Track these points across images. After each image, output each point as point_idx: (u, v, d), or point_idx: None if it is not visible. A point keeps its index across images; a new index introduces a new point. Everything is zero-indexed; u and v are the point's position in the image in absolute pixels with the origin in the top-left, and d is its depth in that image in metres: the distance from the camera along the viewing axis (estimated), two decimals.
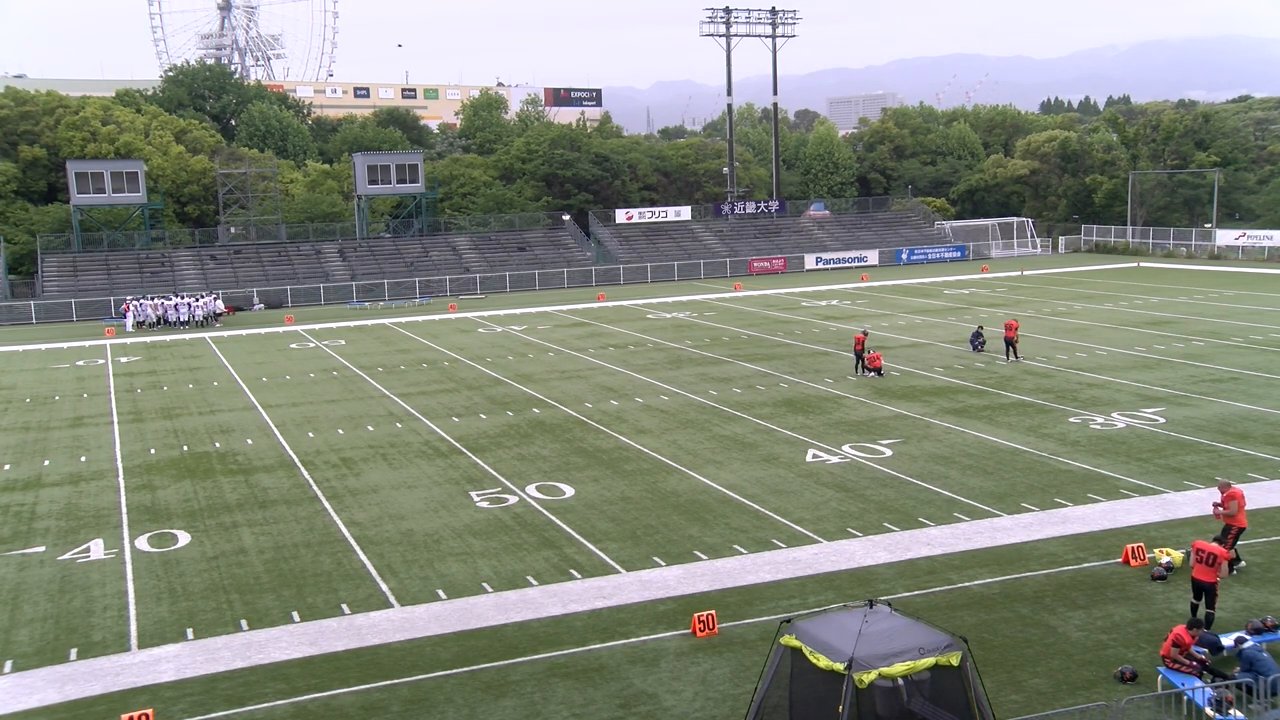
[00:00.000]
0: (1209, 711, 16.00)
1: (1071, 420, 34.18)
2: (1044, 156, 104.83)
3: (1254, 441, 31.09)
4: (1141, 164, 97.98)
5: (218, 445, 35.06)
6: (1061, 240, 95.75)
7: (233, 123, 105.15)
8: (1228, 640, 17.87)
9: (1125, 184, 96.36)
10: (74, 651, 19.94)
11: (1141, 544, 22.76)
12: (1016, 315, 52.39)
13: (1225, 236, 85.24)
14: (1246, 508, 21.95)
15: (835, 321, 57.40)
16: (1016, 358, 43.95)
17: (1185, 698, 16.31)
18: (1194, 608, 19.46)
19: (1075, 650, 18.73)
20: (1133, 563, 22.29)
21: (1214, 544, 19.52)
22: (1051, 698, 16.95)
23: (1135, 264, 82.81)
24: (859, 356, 42.53)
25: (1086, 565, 22.47)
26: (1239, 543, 22.02)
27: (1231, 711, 15.82)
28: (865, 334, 44.19)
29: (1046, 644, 19.00)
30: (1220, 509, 21.71)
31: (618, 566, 23.14)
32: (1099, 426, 33.30)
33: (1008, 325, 45.35)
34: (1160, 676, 17.33)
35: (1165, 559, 22.01)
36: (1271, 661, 16.75)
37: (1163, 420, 33.78)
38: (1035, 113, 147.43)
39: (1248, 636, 18.05)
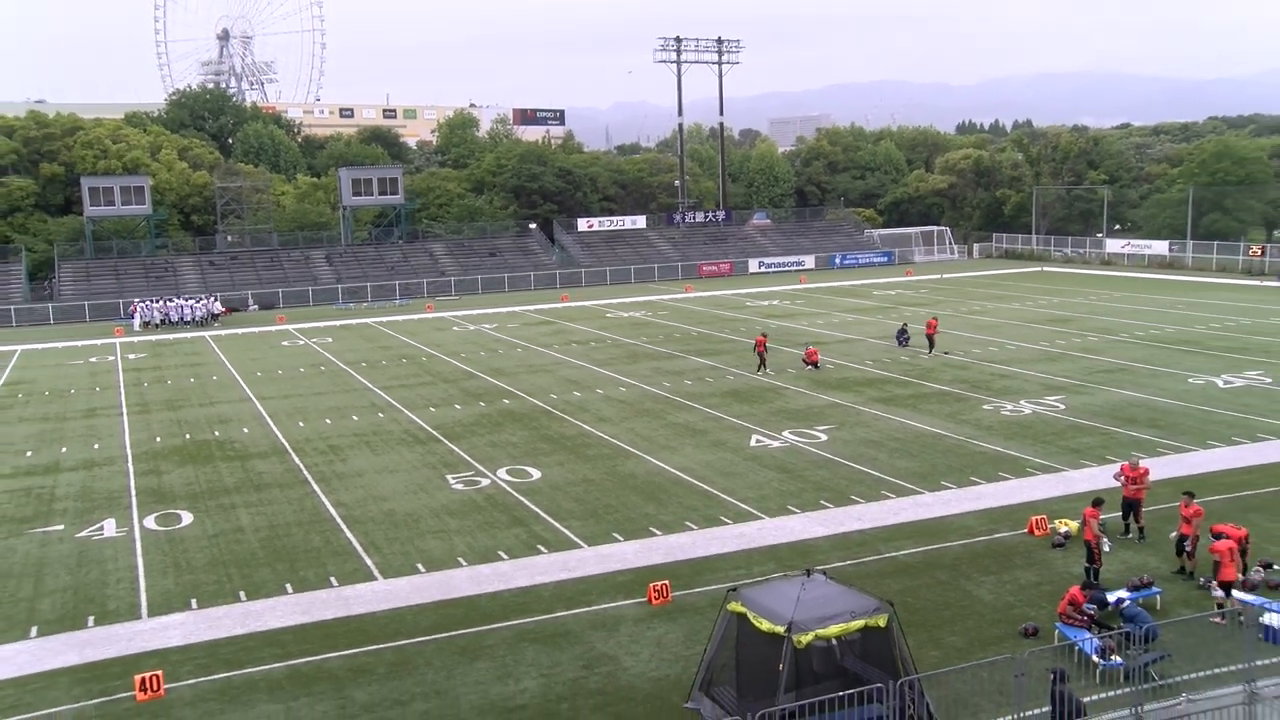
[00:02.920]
0: (1095, 659, 16.41)
1: (985, 408, 34.53)
2: (960, 172, 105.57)
3: (1139, 425, 31.58)
4: (1043, 180, 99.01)
5: (217, 434, 34.72)
6: (976, 247, 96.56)
7: (230, 141, 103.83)
8: (1112, 597, 18.33)
9: (1030, 197, 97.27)
10: (91, 619, 19.91)
11: (1044, 516, 23.08)
12: (936, 314, 52.78)
13: (1114, 244, 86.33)
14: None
15: (776, 319, 57.61)
16: (933, 350, 44.37)
17: (1077, 648, 16.70)
18: (1088, 570, 19.84)
19: (986, 611, 18.99)
20: (1036, 533, 22.61)
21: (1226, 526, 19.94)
22: (966, 653, 17.17)
23: (1039, 268, 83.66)
24: (761, 357, 42.23)
25: (997, 536, 22.74)
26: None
27: (1113, 657, 16.24)
28: (765, 336, 44.07)
29: (962, 606, 19.23)
30: (1133, 485, 22.09)
31: (581, 542, 23.16)
32: (1009, 413, 33.67)
33: (928, 323, 45.81)
34: (1057, 631, 17.67)
35: (1064, 529, 22.39)
36: (1147, 615, 17.29)
37: (1063, 407, 34.21)
38: (952, 133, 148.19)
39: (1127, 594, 18.50)
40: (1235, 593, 18.92)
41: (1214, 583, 18.85)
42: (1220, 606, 18.62)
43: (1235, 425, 31.16)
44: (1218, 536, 19.33)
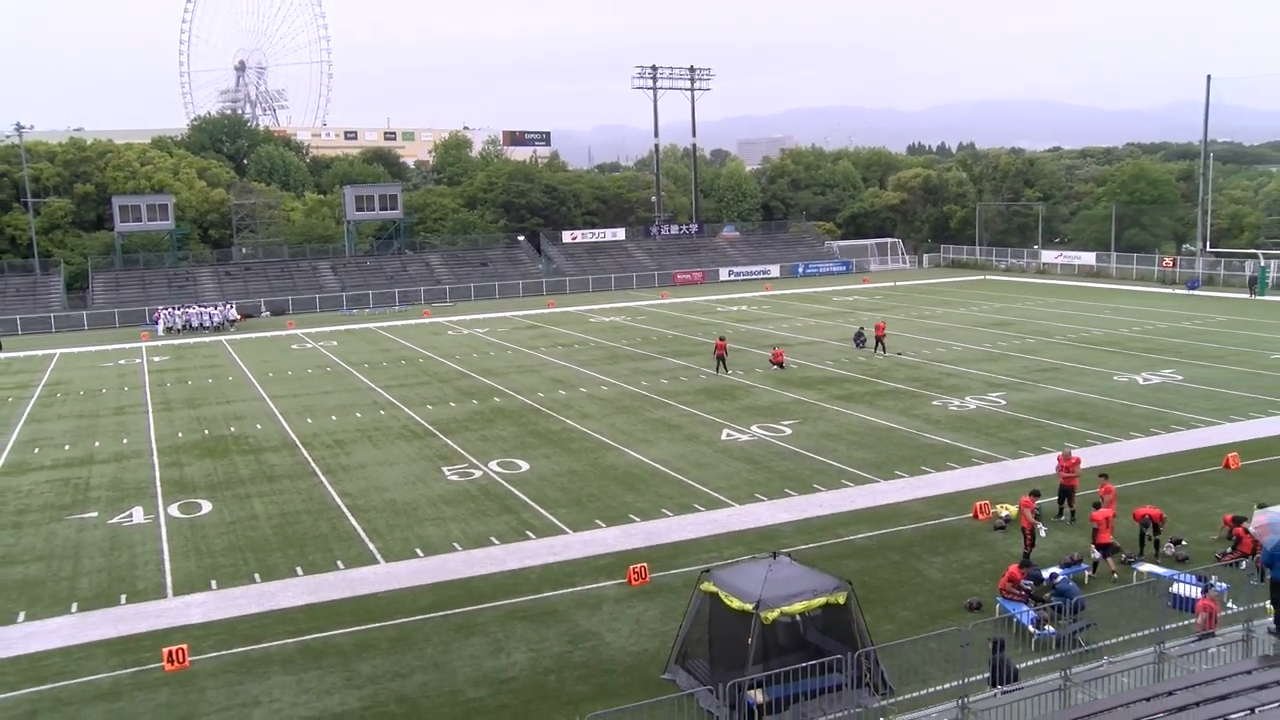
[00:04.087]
0: (1031, 629, 16.61)
1: (934, 403, 34.70)
2: (910, 189, 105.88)
3: (1069, 418, 31.85)
4: (985, 197, 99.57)
5: (233, 429, 34.51)
6: (925, 257, 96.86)
7: (245, 162, 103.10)
8: (1047, 573, 18.53)
9: (974, 212, 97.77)
10: (124, 597, 19.95)
11: (987, 501, 23.23)
12: (887, 318, 53.06)
13: (1048, 255, 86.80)
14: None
15: (745, 324, 57.69)
16: (885, 351, 44.55)
17: (1015, 620, 16.87)
18: (1025, 555, 19.99)
19: (935, 588, 19.10)
20: (980, 517, 22.76)
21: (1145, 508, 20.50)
22: (917, 626, 17.28)
23: (982, 277, 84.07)
24: (720, 359, 42.13)
25: (945, 520, 22.88)
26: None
27: (1046, 627, 16.46)
28: (724, 340, 44.00)
29: (913, 584, 19.34)
30: (1066, 473, 22.36)
31: (566, 528, 23.15)
32: (956, 408, 33.86)
33: (877, 326, 45.97)
34: (998, 604, 17.81)
35: (1004, 513, 22.55)
36: (1076, 588, 17.55)
37: (1004, 402, 34.43)
38: (903, 154, 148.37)
39: (1060, 570, 18.72)
40: (1146, 565, 19.32)
41: (1092, 545, 19.55)
42: (1095, 564, 19.33)
43: (1152, 418, 31.49)
44: (1096, 505, 19.93)
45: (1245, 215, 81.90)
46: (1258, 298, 63.38)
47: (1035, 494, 20.87)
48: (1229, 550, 19.83)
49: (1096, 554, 19.41)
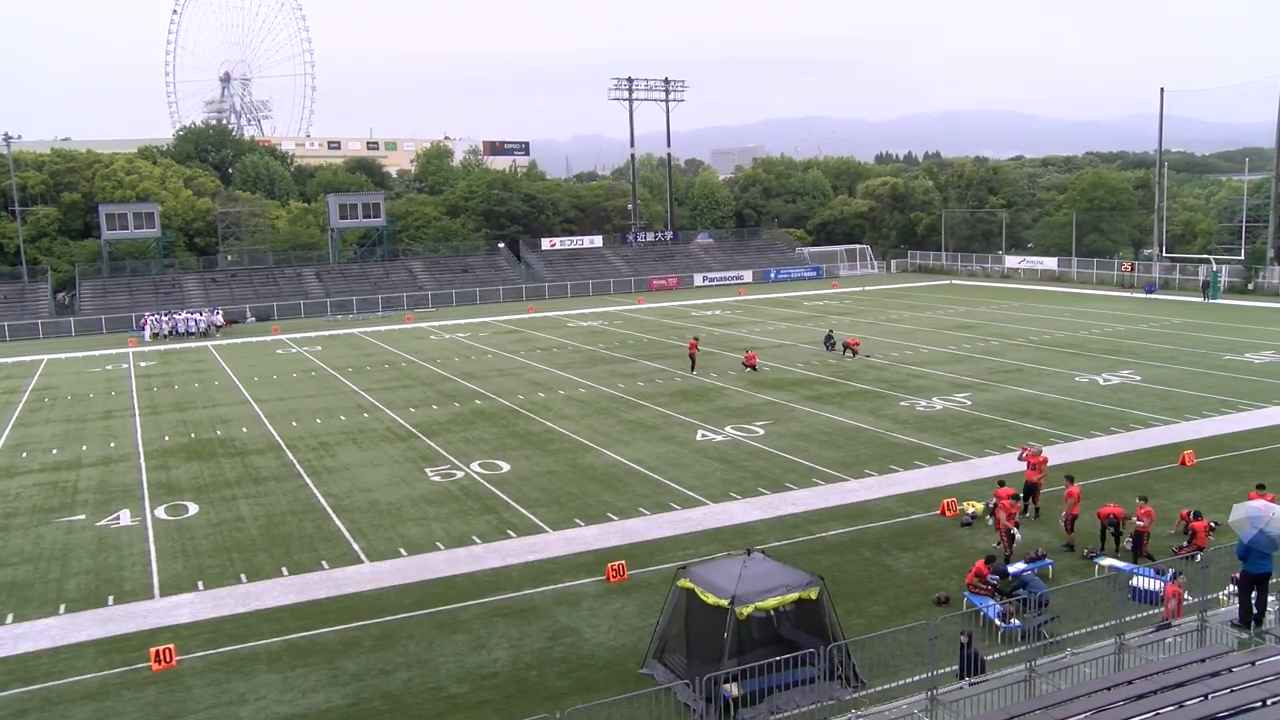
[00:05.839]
0: (997, 622, 16.71)
1: (902, 404, 34.85)
2: (879, 197, 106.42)
3: (1032, 417, 32.07)
4: (951, 204, 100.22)
5: (219, 433, 34.21)
6: (893, 263, 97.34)
7: (230, 171, 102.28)
8: (1013, 569, 18.65)
9: (939, 219, 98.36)
10: (111, 598, 19.71)
11: (954, 499, 23.33)
12: (855, 322, 53.25)
13: (1011, 261, 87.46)
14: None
15: (719, 328, 57.75)
16: (854, 354, 44.65)
17: (982, 614, 16.95)
18: (1007, 551, 20.10)
19: (905, 583, 19.17)
20: (947, 514, 22.86)
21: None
22: (887, 620, 17.33)
23: (948, 281, 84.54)
24: (692, 358, 42.74)
25: (913, 516, 22.97)
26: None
27: (1012, 620, 16.55)
28: (696, 340, 44.43)
29: (883, 579, 19.40)
30: (1032, 469, 22.51)
31: (546, 527, 23.09)
32: (923, 408, 34.01)
33: (851, 340, 45.94)
34: (965, 599, 17.89)
35: (971, 510, 22.65)
36: (1040, 582, 17.68)
37: (969, 402, 34.62)
38: (871, 163, 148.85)
39: (1025, 565, 18.85)
40: (1107, 560, 19.51)
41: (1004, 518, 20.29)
42: (1008, 532, 20.17)
43: (1112, 417, 31.75)
44: (1001, 485, 20.87)
45: (1198, 222, 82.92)
46: (1210, 301, 64.12)
47: (1016, 498, 20.93)
48: (1184, 544, 20.03)
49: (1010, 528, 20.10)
